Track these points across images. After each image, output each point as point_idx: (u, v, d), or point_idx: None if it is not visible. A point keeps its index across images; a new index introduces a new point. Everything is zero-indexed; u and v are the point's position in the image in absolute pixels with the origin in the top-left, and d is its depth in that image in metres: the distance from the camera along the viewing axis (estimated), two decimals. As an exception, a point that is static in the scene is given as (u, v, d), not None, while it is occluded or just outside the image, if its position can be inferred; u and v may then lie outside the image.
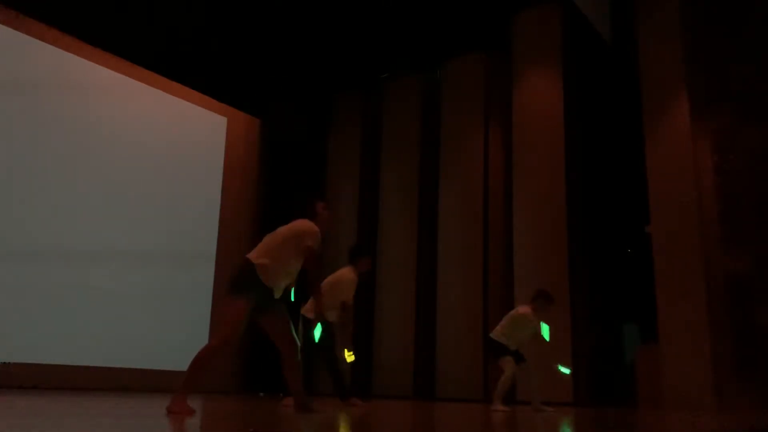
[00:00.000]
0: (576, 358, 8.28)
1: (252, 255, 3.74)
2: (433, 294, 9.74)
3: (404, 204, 10.45)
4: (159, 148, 9.58)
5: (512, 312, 6.34)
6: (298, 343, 3.83)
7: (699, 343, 7.37)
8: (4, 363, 7.46)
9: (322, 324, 4.27)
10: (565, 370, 6.19)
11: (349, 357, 5.70)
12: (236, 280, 3.68)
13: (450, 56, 10.33)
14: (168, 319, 9.23)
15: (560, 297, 8.26)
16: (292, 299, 3.92)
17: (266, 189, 11.10)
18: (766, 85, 7.90)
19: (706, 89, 8.33)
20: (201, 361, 3.55)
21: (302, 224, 3.89)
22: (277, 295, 3.78)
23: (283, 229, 3.89)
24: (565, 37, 9.19)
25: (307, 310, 5.69)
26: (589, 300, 9.02)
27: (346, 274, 5.86)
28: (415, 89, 10.88)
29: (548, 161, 8.83)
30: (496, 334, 6.17)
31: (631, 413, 6.15)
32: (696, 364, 7.33)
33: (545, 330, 6.10)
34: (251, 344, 9.70)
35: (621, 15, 9.12)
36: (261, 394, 9.22)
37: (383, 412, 4.70)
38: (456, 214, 9.73)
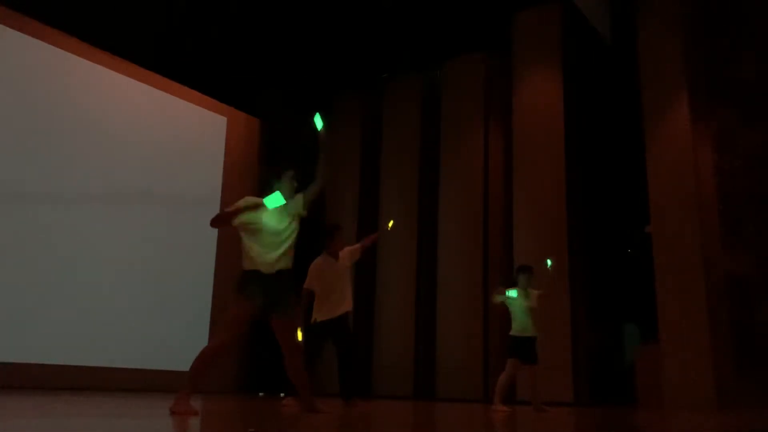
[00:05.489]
0: (576, 358, 8.29)
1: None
2: (433, 294, 9.74)
3: (404, 204, 10.45)
4: (159, 148, 9.58)
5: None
6: (301, 347, 3.85)
7: (699, 342, 7.37)
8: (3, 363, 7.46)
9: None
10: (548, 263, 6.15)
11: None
12: (237, 281, 3.76)
13: (450, 56, 10.33)
14: (168, 319, 9.23)
15: (560, 297, 8.27)
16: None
17: (266, 189, 11.09)
18: (766, 85, 7.91)
19: (706, 89, 8.34)
20: (203, 361, 3.57)
21: None
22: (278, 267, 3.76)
23: None
24: (565, 37, 9.19)
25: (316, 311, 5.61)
26: (589, 300, 9.02)
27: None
28: (415, 89, 10.88)
29: (548, 161, 8.83)
30: (513, 330, 6.13)
31: (631, 413, 6.15)
32: (696, 363, 7.33)
33: (517, 299, 6.04)
34: (251, 344, 9.70)
35: (621, 15, 9.13)
36: (261, 394, 9.22)
37: (383, 412, 4.70)
38: (456, 213, 9.74)
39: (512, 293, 6.00)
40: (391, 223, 6.06)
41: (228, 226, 3.81)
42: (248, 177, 10.92)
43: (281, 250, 3.77)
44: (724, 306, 7.68)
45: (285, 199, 3.80)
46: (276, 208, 3.79)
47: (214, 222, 3.87)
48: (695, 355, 7.35)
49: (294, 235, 3.88)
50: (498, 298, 6.11)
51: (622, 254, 9.83)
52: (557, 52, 9.12)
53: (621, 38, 9.16)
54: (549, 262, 6.24)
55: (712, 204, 7.94)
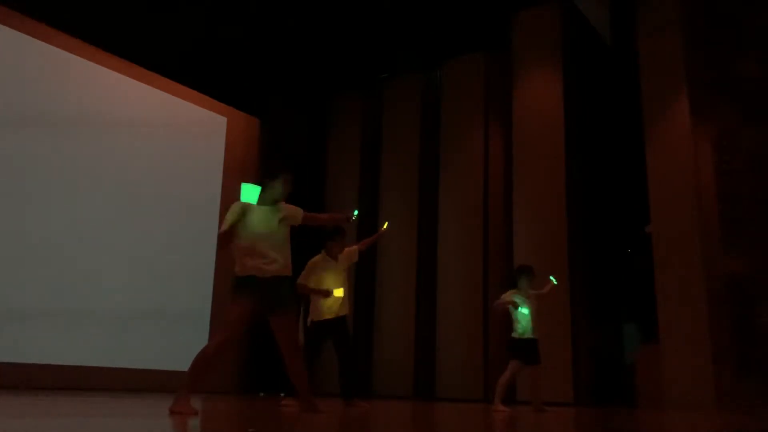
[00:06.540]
0: (576, 358, 8.28)
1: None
2: (433, 294, 9.74)
3: (404, 204, 10.45)
4: (159, 148, 9.58)
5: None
6: (300, 347, 3.85)
7: (699, 342, 7.37)
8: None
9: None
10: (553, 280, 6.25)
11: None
12: (233, 283, 3.76)
13: (450, 56, 10.33)
14: (168, 319, 9.22)
15: (560, 297, 8.27)
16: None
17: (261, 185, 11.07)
18: (766, 85, 7.91)
19: (707, 89, 8.34)
20: (202, 361, 3.57)
21: None
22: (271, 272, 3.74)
23: None
24: (565, 37, 9.19)
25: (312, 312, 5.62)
26: (589, 300, 9.02)
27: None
28: (415, 89, 10.88)
29: (548, 161, 8.84)
30: (516, 333, 6.11)
31: (631, 413, 6.15)
32: (696, 364, 7.33)
33: (524, 311, 6.01)
34: (251, 344, 9.69)
35: (621, 15, 9.13)
36: (261, 394, 9.22)
37: (383, 412, 4.70)
38: (456, 213, 9.74)
39: (524, 310, 5.97)
40: (386, 225, 6.06)
41: (232, 240, 3.72)
42: (248, 177, 10.92)
43: (273, 254, 3.71)
44: (724, 306, 7.68)
45: (271, 199, 3.78)
46: (262, 210, 3.77)
47: (219, 246, 3.79)
48: (695, 355, 7.35)
49: (285, 240, 3.81)
50: (510, 310, 6.05)
51: (622, 254, 9.82)
52: (557, 52, 9.13)
53: (621, 38, 9.16)
54: (554, 280, 6.28)
55: (712, 204, 7.94)
